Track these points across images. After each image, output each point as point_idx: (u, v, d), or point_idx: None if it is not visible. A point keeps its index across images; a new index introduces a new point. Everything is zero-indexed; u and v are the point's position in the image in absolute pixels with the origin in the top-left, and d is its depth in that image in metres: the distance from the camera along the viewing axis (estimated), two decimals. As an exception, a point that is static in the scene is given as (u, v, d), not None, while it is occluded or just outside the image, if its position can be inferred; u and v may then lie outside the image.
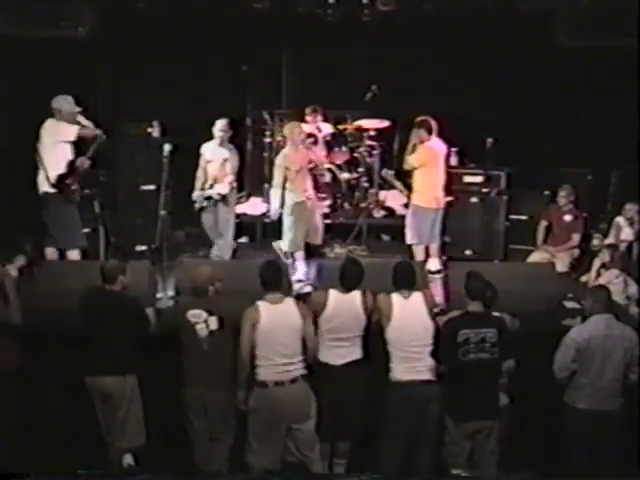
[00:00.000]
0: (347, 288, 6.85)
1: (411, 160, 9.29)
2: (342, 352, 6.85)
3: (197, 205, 9.42)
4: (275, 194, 9.26)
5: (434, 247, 9.46)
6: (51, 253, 8.79)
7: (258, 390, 6.64)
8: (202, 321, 6.70)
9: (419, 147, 9.30)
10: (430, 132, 9.27)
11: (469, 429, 6.61)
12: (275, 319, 6.60)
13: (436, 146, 9.39)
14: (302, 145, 9.36)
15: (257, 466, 6.72)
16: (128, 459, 6.88)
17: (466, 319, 6.60)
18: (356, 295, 6.86)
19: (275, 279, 6.70)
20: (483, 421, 6.60)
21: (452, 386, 6.59)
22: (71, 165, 8.62)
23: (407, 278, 6.88)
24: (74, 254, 8.77)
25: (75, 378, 6.87)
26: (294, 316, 6.65)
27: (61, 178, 8.53)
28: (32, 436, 6.85)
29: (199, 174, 9.46)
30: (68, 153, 8.63)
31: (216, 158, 9.40)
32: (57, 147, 8.58)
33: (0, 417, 6.83)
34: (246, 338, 6.60)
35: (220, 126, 9.35)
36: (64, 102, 8.68)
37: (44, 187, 8.60)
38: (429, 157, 9.30)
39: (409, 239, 9.47)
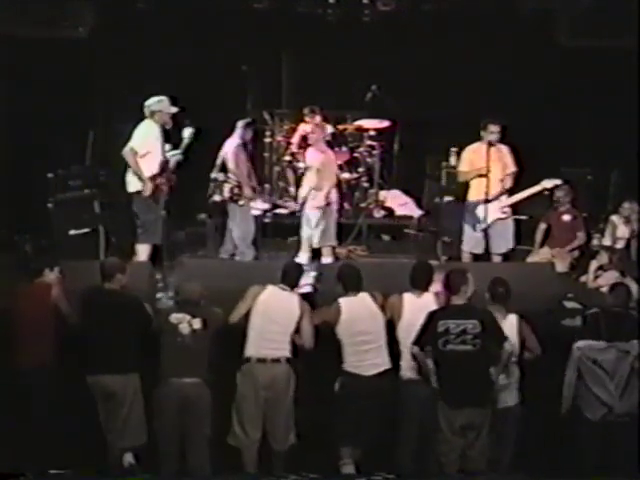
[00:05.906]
0: (352, 290, 6.96)
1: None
2: (371, 358, 6.86)
3: None
4: None
5: None
6: (142, 251, 8.72)
7: (243, 365, 6.84)
8: (185, 322, 6.81)
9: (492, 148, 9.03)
10: None
11: (458, 421, 6.53)
12: (275, 300, 6.90)
13: None
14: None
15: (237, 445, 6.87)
16: (129, 458, 6.86)
17: (447, 310, 6.66)
18: (365, 296, 6.98)
19: (289, 273, 7.09)
20: (470, 409, 6.52)
21: (437, 377, 6.59)
22: (163, 164, 8.66)
23: (424, 279, 7.01)
24: (144, 249, 8.70)
25: (76, 377, 6.87)
26: (293, 305, 6.92)
27: (154, 177, 8.60)
28: (32, 436, 6.83)
29: None
30: (159, 152, 8.65)
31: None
32: (149, 148, 8.60)
33: (1, 417, 6.85)
34: (245, 305, 6.91)
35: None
36: (159, 104, 8.70)
37: (137, 186, 8.61)
38: None
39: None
